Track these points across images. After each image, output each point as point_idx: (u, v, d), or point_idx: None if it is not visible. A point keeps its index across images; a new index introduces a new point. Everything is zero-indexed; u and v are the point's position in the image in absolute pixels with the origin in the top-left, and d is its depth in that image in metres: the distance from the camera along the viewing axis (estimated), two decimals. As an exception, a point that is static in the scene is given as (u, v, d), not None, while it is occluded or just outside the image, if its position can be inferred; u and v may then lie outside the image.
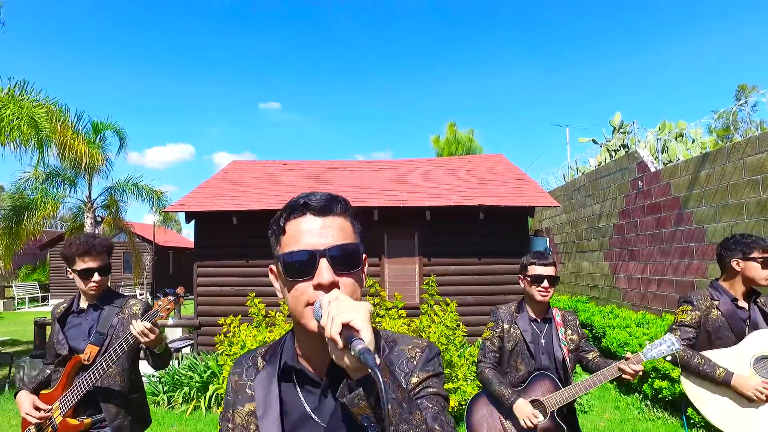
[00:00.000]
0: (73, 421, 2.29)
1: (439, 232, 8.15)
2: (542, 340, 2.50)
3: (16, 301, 19.24)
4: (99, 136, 12.93)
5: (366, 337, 0.75)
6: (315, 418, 0.94)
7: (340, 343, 0.76)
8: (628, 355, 2.29)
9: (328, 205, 0.97)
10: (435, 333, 5.17)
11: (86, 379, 2.27)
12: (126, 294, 2.65)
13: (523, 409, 2.31)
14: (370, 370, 0.73)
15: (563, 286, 12.14)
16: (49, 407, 2.32)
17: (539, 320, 2.54)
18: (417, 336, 1.06)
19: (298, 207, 0.97)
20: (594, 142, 12.84)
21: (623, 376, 2.27)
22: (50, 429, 2.30)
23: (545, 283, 2.44)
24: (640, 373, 2.25)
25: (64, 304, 2.54)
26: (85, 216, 13.19)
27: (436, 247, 8.16)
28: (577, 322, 2.58)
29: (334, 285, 0.89)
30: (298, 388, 0.98)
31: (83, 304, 2.47)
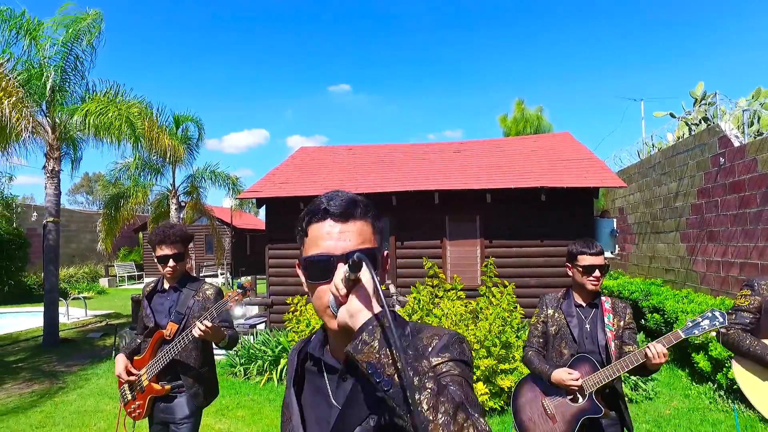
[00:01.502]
0: (157, 386, 2.68)
1: (500, 215, 8.11)
2: (587, 326, 2.52)
3: (117, 278, 21.40)
4: (180, 129, 13.98)
5: (365, 274, 0.83)
6: (333, 401, 0.99)
7: (343, 289, 0.85)
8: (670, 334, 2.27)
9: (348, 209, 0.96)
10: (492, 314, 5.24)
11: (167, 352, 2.62)
12: (200, 278, 2.97)
13: (560, 375, 2.37)
14: (364, 268, 0.81)
15: (637, 268, 11.59)
16: (138, 372, 2.73)
17: (585, 305, 2.56)
18: (445, 328, 1.02)
19: (319, 211, 0.98)
20: (672, 116, 11.97)
21: (650, 360, 2.19)
22: (138, 389, 2.74)
23: (596, 273, 2.45)
24: (664, 358, 2.16)
25: (152, 284, 2.89)
26: (170, 202, 14.39)
27: (498, 230, 8.13)
28: (628, 311, 2.54)
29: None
30: (325, 374, 1.03)
31: (166, 285, 2.80)
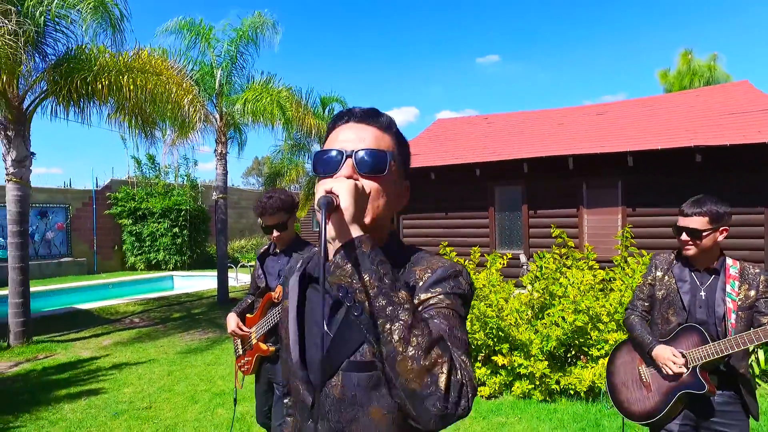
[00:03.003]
0: (264, 346, 2.74)
1: (646, 180, 7.25)
2: (701, 293, 2.20)
3: (279, 250, 24.10)
4: (326, 109, 15.06)
5: (344, 202, 0.79)
6: (325, 328, 0.94)
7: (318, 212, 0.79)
8: None
9: (369, 114, 0.98)
10: (624, 286, 4.82)
11: (274, 314, 2.65)
12: (312, 243, 2.95)
13: (662, 353, 2.14)
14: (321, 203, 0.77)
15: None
16: (249, 330, 2.83)
17: (701, 270, 2.23)
18: (442, 257, 0.97)
19: (343, 114, 1.00)
20: None
21: None
22: (248, 346, 2.86)
23: (684, 236, 2.16)
24: None
25: (265, 246, 2.95)
26: (317, 179, 15.67)
27: (643, 196, 7.29)
28: (762, 278, 2.14)
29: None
30: (322, 295, 0.94)
31: (278, 249, 2.84)
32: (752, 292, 2.15)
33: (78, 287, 12.19)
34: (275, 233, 2.70)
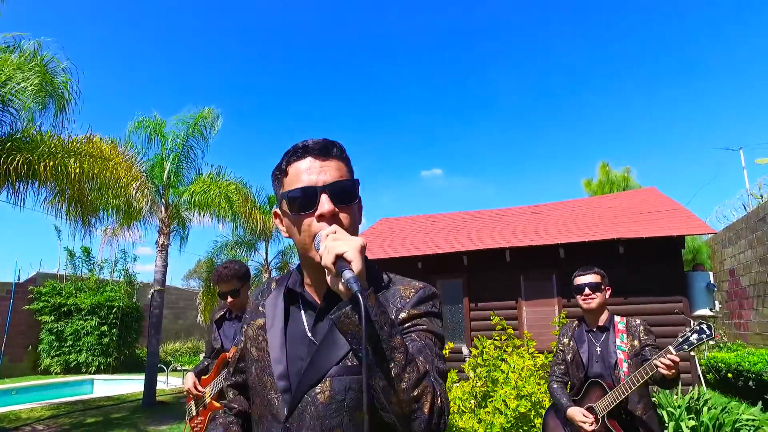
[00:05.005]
0: (217, 404, 2.86)
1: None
2: (597, 349, 2.57)
3: (217, 353, 22.56)
4: (274, 207, 15.24)
5: (356, 267, 0.85)
6: (309, 335, 1.06)
7: (334, 271, 0.87)
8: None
9: (326, 147, 1.04)
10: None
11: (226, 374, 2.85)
12: None
13: (575, 415, 2.45)
14: (354, 293, 0.82)
15: (759, 338, 10.08)
16: (203, 389, 2.99)
17: (595, 329, 2.62)
18: (417, 280, 1.12)
19: (298, 150, 1.05)
20: (779, 162, 10.87)
21: (660, 371, 2.15)
22: (202, 406, 2.99)
23: (586, 291, 2.55)
24: (675, 367, 2.13)
25: (221, 312, 3.17)
26: (263, 276, 15.35)
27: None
28: (642, 328, 2.54)
29: (334, 215, 0.98)
30: (302, 310, 1.10)
31: (234, 314, 3.09)
32: (636, 342, 2.52)
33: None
34: (229, 299, 2.96)
